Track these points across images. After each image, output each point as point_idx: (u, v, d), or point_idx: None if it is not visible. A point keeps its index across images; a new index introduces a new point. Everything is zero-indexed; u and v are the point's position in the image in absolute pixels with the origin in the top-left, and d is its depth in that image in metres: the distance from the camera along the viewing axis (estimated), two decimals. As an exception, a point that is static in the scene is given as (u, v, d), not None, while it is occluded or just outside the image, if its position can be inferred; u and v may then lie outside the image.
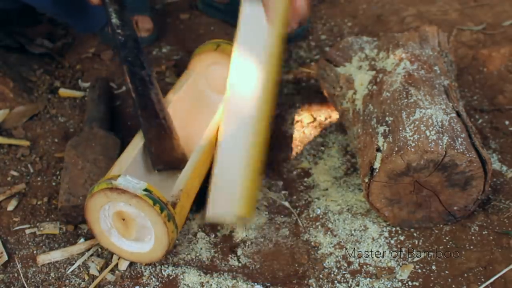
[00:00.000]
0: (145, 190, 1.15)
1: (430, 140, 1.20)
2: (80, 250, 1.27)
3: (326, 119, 1.58)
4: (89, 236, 1.30)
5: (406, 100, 1.30)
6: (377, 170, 1.22)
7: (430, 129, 1.22)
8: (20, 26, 1.80)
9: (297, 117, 1.58)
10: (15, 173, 1.45)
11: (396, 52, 1.44)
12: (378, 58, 1.46)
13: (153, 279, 1.22)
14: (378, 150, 1.24)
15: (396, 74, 1.37)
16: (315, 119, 1.58)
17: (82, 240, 1.30)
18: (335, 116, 1.57)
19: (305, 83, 1.69)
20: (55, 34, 1.87)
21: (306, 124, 1.56)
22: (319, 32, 1.86)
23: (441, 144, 1.19)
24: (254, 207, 1.32)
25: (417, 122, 1.24)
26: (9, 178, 1.44)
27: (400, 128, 1.24)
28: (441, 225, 1.29)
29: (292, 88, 1.67)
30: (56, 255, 1.27)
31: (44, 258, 1.26)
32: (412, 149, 1.19)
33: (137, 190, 1.15)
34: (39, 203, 1.38)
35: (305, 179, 1.43)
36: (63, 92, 1.64)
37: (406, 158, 1.19)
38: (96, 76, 1.71)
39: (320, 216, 1.33)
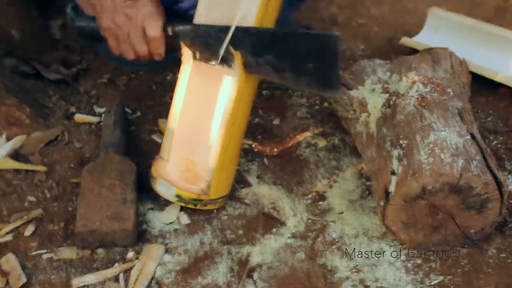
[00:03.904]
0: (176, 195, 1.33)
1: (445, 163, 1.20)
2: (114, 273, 1.28)
3: (340, 142, 1.58)
4: (105, 262, 1.31)
5: (420, 123, 1.30)
6: (392, 194, 1.22)
7: (445, 152, 1.22)
8: (36, 52, 1.83)
9: (310, 141, 1.59)
10: (32, 199, 1.46)
11: (409, 74, 1.44)
12: (391, 81, 1.47)
13: (170, 304, 1.22)
14: (392, 173, 1.25)
15: (409, 97, 1.38)
16: (328, 142, 1.58)
17: (116, 264, 1.30)
18: (349, 139, 1.58)
19: (318, 106, 1.70)
20: (70, 60, 1.89)
21: (320, 148, 1.57)
22: (332, 55, 1.87)
23: (456, 167, 1.19)
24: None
25: (431, 145, 1.24)
26: (26, 204, 1.45)
27: (415, 151, 1.24)
28: (458, 248, 1.28)
29: (305, 112, 1.68)
30: (90, 278, 1.27)
31: (78, 281, 1.27)
32: (427, 172, 1.19)
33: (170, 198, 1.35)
34: (55, 228, 1.39)
35: (320, 203, 1.43)
36: (79, 117, 1.66)
37: (421, 181, 1.19)
38: (111, 101, 1.73)
39: (336, 240, 1.33)
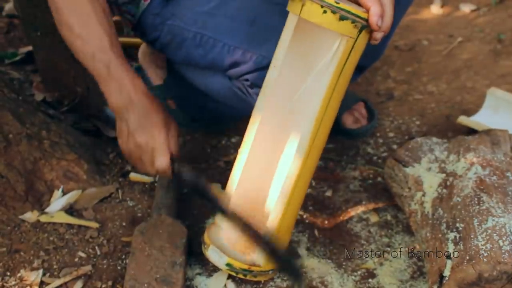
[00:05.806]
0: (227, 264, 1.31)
1: (503, 251, 1.16)
2: None
3: (392, 218, 1.56)
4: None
5: (477, 206, 1.27)
6: (447, 279, 1.19)
7: (504, 239, 1.19)
8: (97, 109, 1.88)
9: (362, 215, 1.57)
10: (82, 254, 1.47)
11: (467, 156, 1.42)
12: (448, 160, 1.45)
13: None
14: (448, 257, 1.22)
15: (467, 179, 1.35)
16: (381, 218, 1.56)
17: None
18: (401, 216, 1.55)
19: (372, 180, 1.69)
20: (129, 119, 1.94)
21: (371, 223, 1.55)
22: (387, 129, 1.87)
23: (515, 255, 1.16)
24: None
25: (489, 231, 1.21)
26: (76, 259, 1.46)
27: (472, 236, 1.21)
28: None
29: (358, 185, 1.67)
30: None
31: None
32: (485, 259, 1.15)
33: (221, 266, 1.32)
34: (103, 286, 1.39)
35: (369, 280, 1.40)
36: (134, 176, 1.69)
37: (478, 268, 1.16)
38: (166, 162, 1.75)
39: (385, 322, 1.30)
